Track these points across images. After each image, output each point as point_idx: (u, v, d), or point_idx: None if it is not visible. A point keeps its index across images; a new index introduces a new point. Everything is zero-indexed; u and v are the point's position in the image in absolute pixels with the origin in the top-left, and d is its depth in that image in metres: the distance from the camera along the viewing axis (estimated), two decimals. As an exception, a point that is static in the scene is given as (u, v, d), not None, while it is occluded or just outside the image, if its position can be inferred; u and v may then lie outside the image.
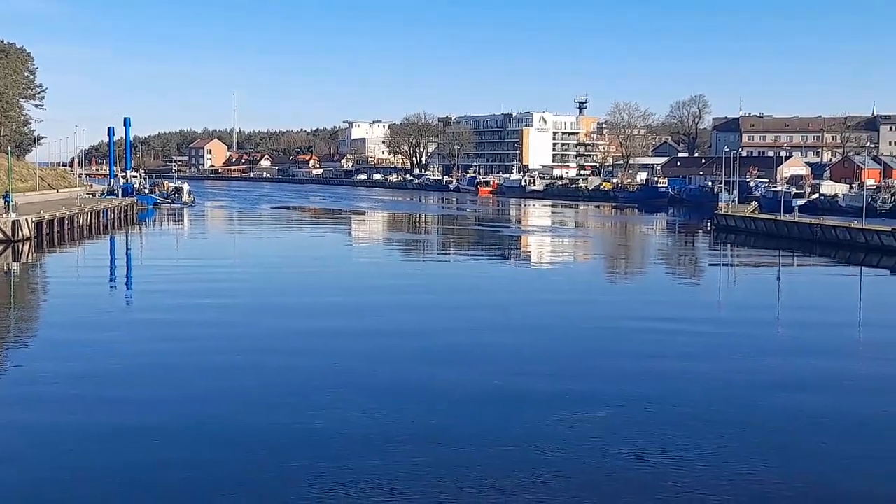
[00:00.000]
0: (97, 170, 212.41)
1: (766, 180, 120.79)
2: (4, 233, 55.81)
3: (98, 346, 25.50)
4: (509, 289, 40.85)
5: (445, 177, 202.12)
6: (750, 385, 22.02)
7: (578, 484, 15.25)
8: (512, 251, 65.24)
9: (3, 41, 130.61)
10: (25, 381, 21.82)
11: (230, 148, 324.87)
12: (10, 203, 60.58)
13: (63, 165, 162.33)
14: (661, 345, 26.99)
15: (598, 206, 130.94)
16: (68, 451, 16.65)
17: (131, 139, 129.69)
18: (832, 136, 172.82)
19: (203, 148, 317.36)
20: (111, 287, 42.55)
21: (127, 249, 62.32)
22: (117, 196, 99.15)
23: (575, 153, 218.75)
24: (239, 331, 28.33)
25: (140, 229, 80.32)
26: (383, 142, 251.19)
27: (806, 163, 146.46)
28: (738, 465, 16.15)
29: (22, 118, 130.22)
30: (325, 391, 20.76)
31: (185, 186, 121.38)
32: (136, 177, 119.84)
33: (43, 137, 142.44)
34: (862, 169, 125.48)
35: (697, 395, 20.93)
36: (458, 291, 39.09)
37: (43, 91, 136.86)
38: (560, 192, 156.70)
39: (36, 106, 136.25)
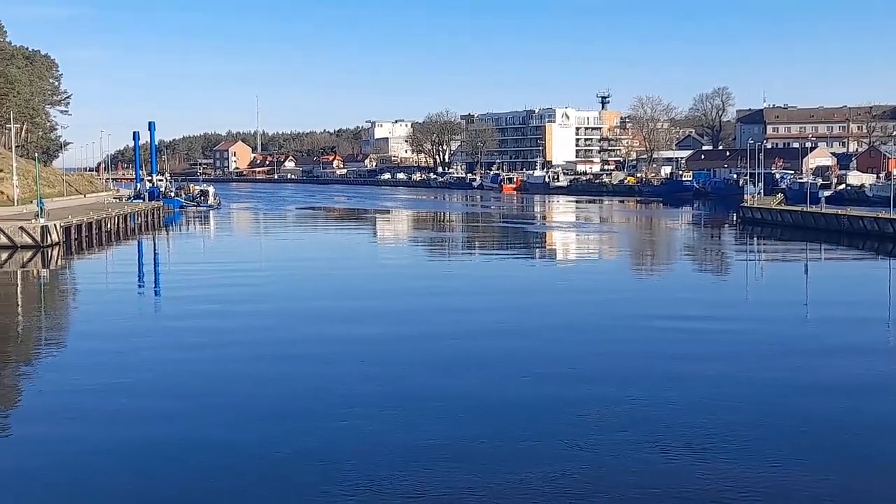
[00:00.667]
0: (123, 174, 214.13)
1: (792, 172, 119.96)
2: (33, 238, 56.39)
3: (126, 355, 25.23)
4: (533, 288, 40.66)
5: (469, 175, 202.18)
6: (778, 384, 21.86)
7: (603, 482, 15.26)
8: (537, 248, 65.22)
9: (27, 48, 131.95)
10: (52, 391, 21.75)
11: (254, 150, 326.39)
12: (42, 208, 61.15)
13: (89, 170, 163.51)
14: (688, 344, 26.85)
15: (622, 201, 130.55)
16: (94, 464, 16.50)
17: (156, 143, 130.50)
18: (858, 126, 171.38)
19: (227, 150, 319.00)
20: (139, 292, 42.80)
21: (155, 253, 62.80)
22: (144, 200, 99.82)
23: (598, 148, 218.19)
24: (266, 336, 28.07)
25: (167, 233, 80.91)
26: (406, 141, 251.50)
27: (832, 153, 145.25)
28: (763, 464, 16.08)
29: (48, 124, 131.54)
30: (354, 398, 20.74)
31: (211, 189, 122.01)
32: (161, 180, 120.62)
33: (69, 143, 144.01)
34: (889, 158, 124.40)
35: (725, 396, 20.76)
36: (484, 292, 38.78)
37: (68, 97, 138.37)
38: (584, 188, 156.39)
39: (61, 112, 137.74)
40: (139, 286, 44.87)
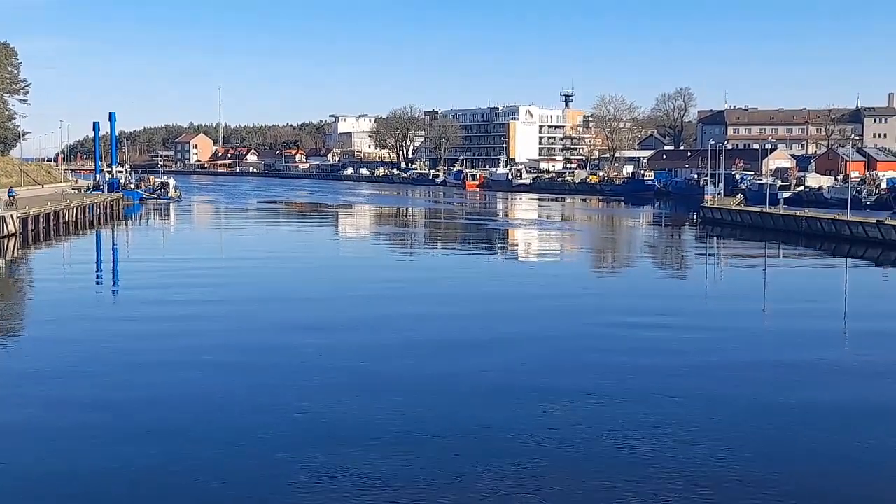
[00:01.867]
0: (82, 165, 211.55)
1: (752, 173, 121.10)
2: (-11, 229, 55.60)
3: (80, 346, 25.17)
4: (491, 289, 40.03)
5: (432, 171, 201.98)
6: (737, 379, 22.12)
7: (562, 478, 15.32)
8: (498, 245, 65.39)
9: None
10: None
11: (216, 143, 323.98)
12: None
13: (48, 161, 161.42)
14: (645, 342, 26.86)
15: (584, 200, 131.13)
16: (41, 454, 16.36)
17: (116, 134, 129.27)
18: (817, 129, 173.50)
19: (189, 143, 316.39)
20: (96, 285, 42.21)
21: (113, 246, 62.12)
22: (103, 191, 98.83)
23: (561, 146, 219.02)
24: (224, 330, 27.95)
25: (126, 225, 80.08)
26: (370, 136, 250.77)
27: (791, 155, 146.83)
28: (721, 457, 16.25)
29: (6, 113, 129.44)
30: (318, 389, 20.72)
31: (172, 181, 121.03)
32: (121, 172, 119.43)
33: (28, 133, 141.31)
34: (846, 161, 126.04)
35: (684, 393, 20.99)
36: (440, 292, 38.54)
37: (27, 86, 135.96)
38: (547, 186, 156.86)
39: (20, 101, 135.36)
40: (96, 279, 44.22)
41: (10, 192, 70.26)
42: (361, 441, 16.88)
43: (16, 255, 51.70)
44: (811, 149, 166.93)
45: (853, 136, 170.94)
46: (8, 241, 55.32)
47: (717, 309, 34.24)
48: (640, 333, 27.72)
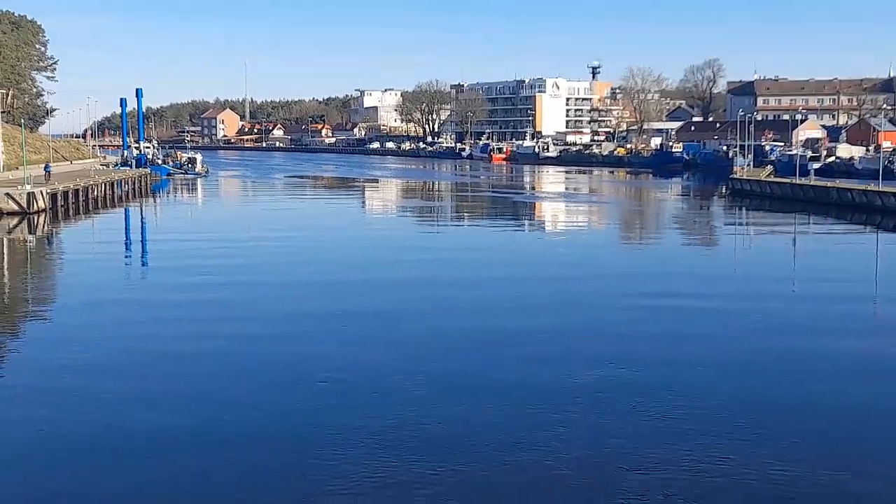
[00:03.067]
0: (110, 141, 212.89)
1: (782, 144, 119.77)
2: (20, 204, 55.97)
3: (109, 330, 24.75)
4: (518, 261, 39.88)
5: (458, 144, 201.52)
6: (765, 367, 21.89)
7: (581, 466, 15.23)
8: (525, 219, 65.20)
9: (14, 13, 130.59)
10: (30, 368, 21.33)
11: (242, 118, 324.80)
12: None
13: (76, 137, 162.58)
14: (674, 321, 26.28)
15: (612, 172, 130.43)
16: (68, 446, 15.80)
17: (143, 110, 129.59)
18: (848, 99, 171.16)
19: (215, 118, 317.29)
20: (126, 262, 42.27)
21: (142, 221, 62.38)
22: (131, 167, 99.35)
23: (588, 119, 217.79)
24: (248, 312, 27.24)
25: (154, 200, 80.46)
26: (395, 110, 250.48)
27: (822, 126, 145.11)
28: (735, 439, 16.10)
29: (34, 90, 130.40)
30: (334, 375, 20.68)
31: (199, 157, 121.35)
32: (149, 147, 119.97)
33: (55, 109, 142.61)
34: (878, 131, 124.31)
35: (707, 378, 20.80)
36: (469, 265, 38.11)
37: (55, 63, 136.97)
38: (574, 159, 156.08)
39: (48, 78, 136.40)
40: (126, 256, 44.27)
41: (46, 167, 73.33)
42: (400, 403, 16.86)
43: (46, 230, 52.04)
44: (842, 119, 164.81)
45: (885, 105, 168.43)
46: (38, 216, 55.70)
47: (745, 281, 33.91)
48: (669, 303, 27.52)
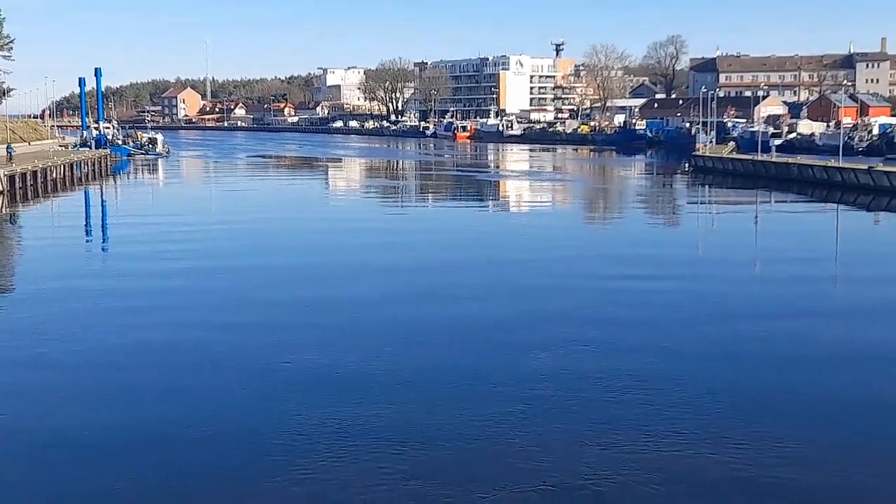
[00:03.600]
0: (69, 121, 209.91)
1: (744, 120, 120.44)
2: (-24, 188, 55.05)
3: (65, 320, 23.96)
4: (480, 242, 39.21)
5: (422, 123, 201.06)
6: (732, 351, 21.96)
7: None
8: (489, 198, 65.19)
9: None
10: None
11: (204, 97, 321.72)
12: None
13: (34, 118, 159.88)
14: (635, 293, 26.51)
15: (576, 150, 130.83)
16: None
17: (103, 90, 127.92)
18: (809, 75, 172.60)
19: (176, 97, 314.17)
20: (85, 248, 41.01)
21: (102, 204, 61.52)
22: (90, 148, 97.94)
23: (552, 97, 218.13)
24: (214, 296, 27.06)
25: (115, 182, 79.45)
26: (359, 88, 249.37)
27: (783, 102, 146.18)
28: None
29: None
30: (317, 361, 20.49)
31: (159, 137, 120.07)
32: (108, 128, 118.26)
33: (12, 89, 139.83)
34: (839, 107, 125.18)
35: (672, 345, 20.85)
36: (429, 246, 37.62)
37: (11, 42, 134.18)
38: (538, 136, 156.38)
39: (4, 57, 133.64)
40: (86, 241, 43.19)
41: (8, 148, 72.27)
42: (361, 384, 16.68)
43: (4, 213, 51.21)
44: (803, 95, 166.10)
45: (845, 81, 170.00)
46: (-5, 199, 54.85)
47: (707, 257, 34.13)
48: (630, 285, 27.50)
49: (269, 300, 25.49)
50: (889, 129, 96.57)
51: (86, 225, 49.17)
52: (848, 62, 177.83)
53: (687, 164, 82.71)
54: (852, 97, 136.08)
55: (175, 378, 18.08)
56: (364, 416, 15.57)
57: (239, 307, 24.71)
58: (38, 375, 18.39)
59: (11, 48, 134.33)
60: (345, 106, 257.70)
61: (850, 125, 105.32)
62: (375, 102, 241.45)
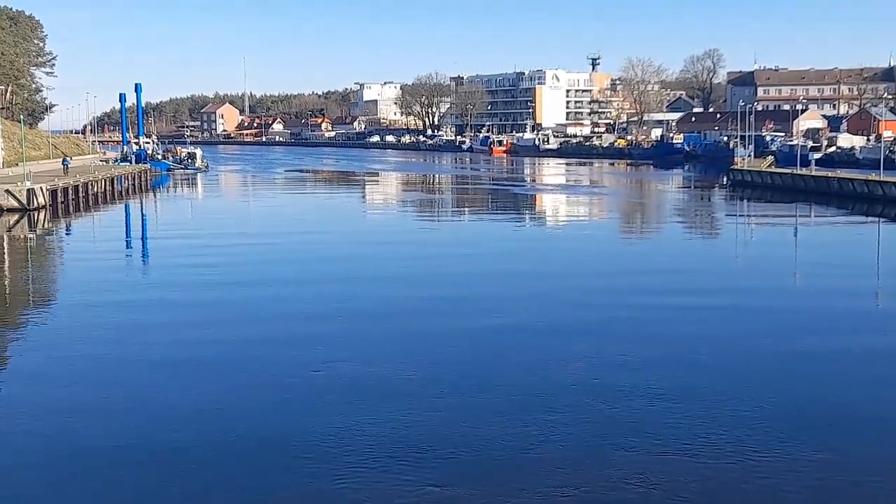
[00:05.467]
0: (110, 137, 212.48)
1: (782, 134, 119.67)
2: (19, 201, 55.84)
3: (103, 334, 24.19)
4: (514, 257, 39.19)
5: (458, 137, 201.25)
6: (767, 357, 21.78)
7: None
8: (525, 212, 65.10)
9: (11, 9, 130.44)
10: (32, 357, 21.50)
11: (242, 112, 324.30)
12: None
13: (76, 133, 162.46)
14: (678, 323, 25.69)
15: (612, 164, 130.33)
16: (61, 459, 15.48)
17: (143, 105, 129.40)
18: (849, 88, 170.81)
19: (215, 113, 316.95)
20: (125, 262, 41.42)
21: (142, 218, 62.18)
22: (130, 163, 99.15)
23: (588, 111, 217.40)
24: (256, 309, 27.32)
25: (154, 196, 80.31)
26: (395, 103, 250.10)
27: (822, 115, 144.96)
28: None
29: (33, 86, 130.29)
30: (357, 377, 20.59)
31: (198, 152, 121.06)
32: (148, 143, 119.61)
33: (55, 105, 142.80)
34: (879, 121, 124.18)
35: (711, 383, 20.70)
36: (463, 260, 37.91)
37: (53, 58, 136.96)
38: (574, 150, 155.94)
39: (47, 74, 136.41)
40: (126, 255, 43.55)
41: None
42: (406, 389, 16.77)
43: (46, 227, 51.94)
44: (843, 109, 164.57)
45: (886, 95, 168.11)
46: (38, 213, 55.59)
47: (747, 274, 33.88)
48: (666, 301, 27.39)
49: (308, 313, 25.65)
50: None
51: (126, 238, 49.77)
52: (888, 75, 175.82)
53: (725, 178, 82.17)
54: (893, 110, 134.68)
55: (212, 391, 18.28)
56: (402, 423, 15.67)
57: (276, 320, 24.93)
58: (75, 391, 18.65)
59: (54, 65, 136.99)
60: (381, 120, 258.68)
61: (892, 139, 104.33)
62: (412, 117, 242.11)
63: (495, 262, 36.14)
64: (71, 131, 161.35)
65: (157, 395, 17.93)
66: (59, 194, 61.39)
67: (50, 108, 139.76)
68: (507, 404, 17.13)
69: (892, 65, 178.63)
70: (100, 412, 17.00)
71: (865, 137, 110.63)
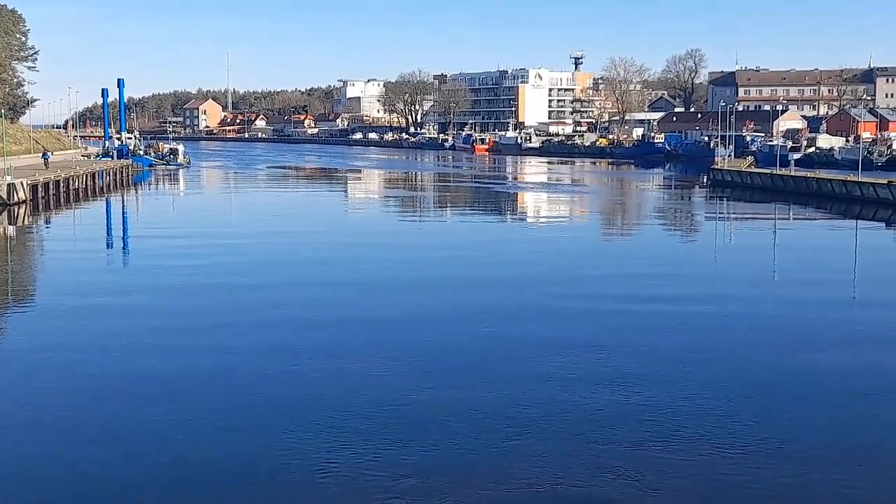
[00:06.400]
0: (92, 132, 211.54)
1: (763, 134, 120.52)
2: (0, 196, 55.63)
3: (89, 319, 24.79)
4: (488, 260, 37.97)
5: (441, 135, 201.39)
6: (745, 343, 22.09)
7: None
8: (505, 209, 65.40)
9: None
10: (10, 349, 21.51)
11: (225, 108, 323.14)
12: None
13: (57, 128, 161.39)
14: (656, 332, 26.29)
15: (594, 163, 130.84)
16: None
17: (125, 100, 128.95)
18: (828, 89, 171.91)
19: (197, 109, 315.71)
20: (104, 261, 41.04)
21: (123, 214, 62.05)
22: (112, 158, 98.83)
23: (571, 109, 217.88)
24: (236, 302, 27.74)
25: (136, 191, 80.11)
26: (378, 100, 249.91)
27: (802, 116, 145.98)
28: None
29: (15, 80, 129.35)
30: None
31: (181, 147, 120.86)
32: (130, 138, 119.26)
33: (37, 100, 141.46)
34: (858, 122, 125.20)
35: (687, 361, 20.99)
36: (435, 263, 37.91)
37: (35, 53, 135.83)
38: (556, 149, 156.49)
39: (29, 68, 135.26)
40: (106, 254, 43.05)
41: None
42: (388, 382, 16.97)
43: (26, 222, 51.80)
44: (822, 110, 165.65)
45: (865, 96, 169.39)
46: (18, 208, 55.43)
47: (725, 274, 34.23)
48: (656, 309, 27.66)
49: (291, 318, 24.95)
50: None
51: (106, 234, 49.64)
52: (868, 77, 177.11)
53: (705, 178, 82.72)
54: (872, 112, 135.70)
55: (188, 407, 17.79)
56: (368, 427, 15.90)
57: (258, 327, 24.55)
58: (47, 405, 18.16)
59: (36, 59, 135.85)
60: (364, 118, 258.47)
61: (870, 140, 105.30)
62: (395, 115, 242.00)
63: (474, 266, 36.18)
64: (53, 126, 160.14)
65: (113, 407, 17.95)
66: (40, 189, 61.16)
67: (31, 102, 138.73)
68: (485, 400, 17.34)
69: (871, 66, 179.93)
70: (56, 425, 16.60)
71: (844, 138, 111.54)
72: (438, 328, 23.61)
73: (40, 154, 79.92)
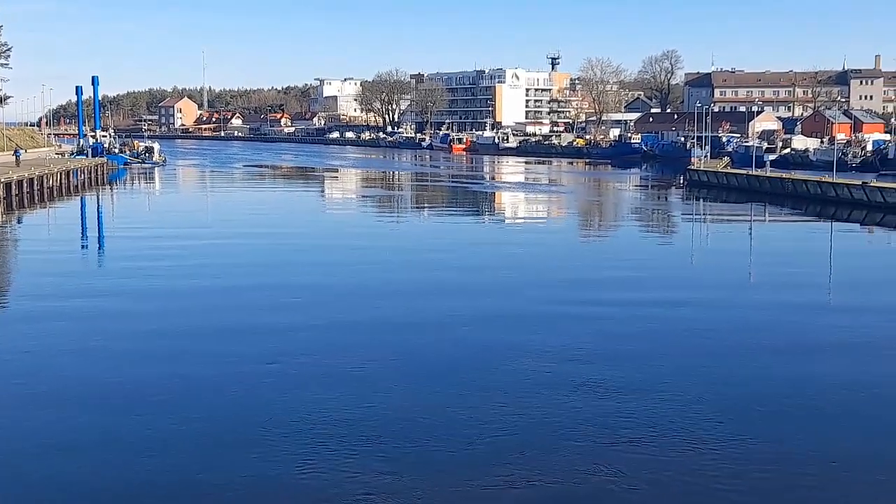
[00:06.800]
0: (66, 130, 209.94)
1: (738, 135, 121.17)
2: (-28, 195, 55.12)
3: (62, 320, 24.60)
4: (466, 261, 38.87)
5: (418, 134, 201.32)
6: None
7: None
8: (482, 208, 65.38)
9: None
10: None
11: (200, 107, 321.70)
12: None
13: (31, 125, 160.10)
14: (629, 308, 26.50)
15: (571, 163, 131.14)
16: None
17: (100, 98, 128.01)
18: (803, 91, 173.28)
19: (173, 107, 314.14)
20: (82, 252, 41.46)
21: (98, 213, 61.53)
22: (87, 156, 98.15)
23: (548, 110, 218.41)
24: (209, 303, 27.64)
25: (111, 190, 79.57)
26: (355, 99, 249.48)
27: (777, 117, 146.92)
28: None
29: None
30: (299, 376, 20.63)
31: (156, 146, 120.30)
32: (105, 136, 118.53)
33: (9, 97, 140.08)
34: (833, 123, 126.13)
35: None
36: (406, 266, 38.07)
37: (8, 49, 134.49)
38: (533, 149, 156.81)
39: (1, 65, 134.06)
40: (82, 246, 43.22)
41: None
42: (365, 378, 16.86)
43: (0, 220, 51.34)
44: (798, 111, 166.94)
45: (839, 98, 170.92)
46: (-9, 206, 54.92)
47: (701, 273, 34.33)
48: (619, 300, 27.71)
49: (267, 324, 24.24)
50: (883, 146, 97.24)
51: (81, 233, 49.20)
52: (842, 79, 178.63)
53: (682, 178, 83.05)
54: (846, 113, 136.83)
55: (157, 410, 17.82)
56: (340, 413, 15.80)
57: (235, 332, 23.99)
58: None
59: (9, 56, 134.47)
60: (341, 117, 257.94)
61: (844, 141, 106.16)
62: (372, 114, 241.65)
63: (451, 270, 36.07)
64: (26, 124, 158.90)
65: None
66: (14, 187, 60.58)
67: (4, 99, 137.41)
68: (460, 397, 17.32)
69: (845, 69, 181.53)
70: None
71: (819, 139, 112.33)
72: (408, 333, 23.10)
73: (12, 152, 79.28)
